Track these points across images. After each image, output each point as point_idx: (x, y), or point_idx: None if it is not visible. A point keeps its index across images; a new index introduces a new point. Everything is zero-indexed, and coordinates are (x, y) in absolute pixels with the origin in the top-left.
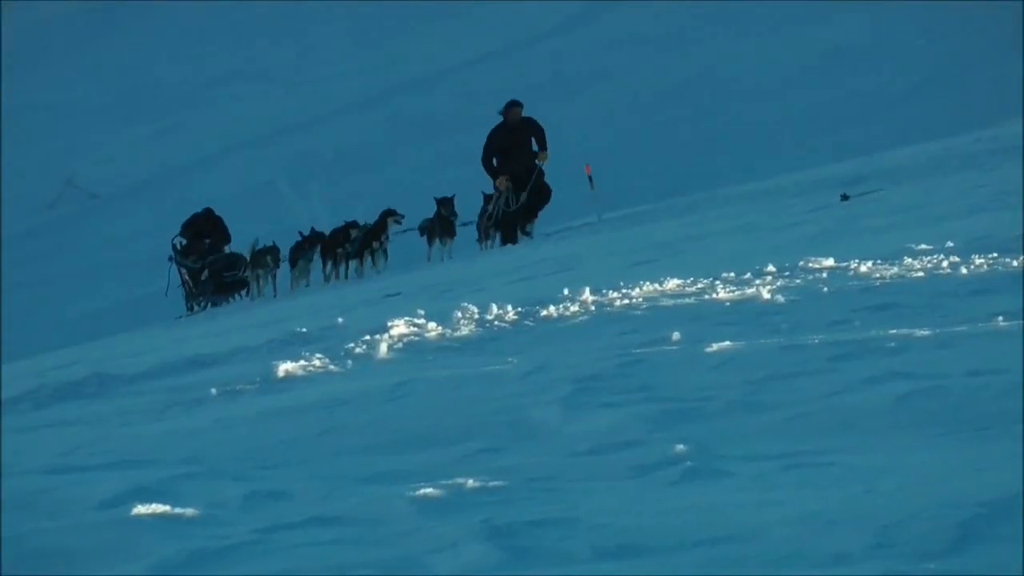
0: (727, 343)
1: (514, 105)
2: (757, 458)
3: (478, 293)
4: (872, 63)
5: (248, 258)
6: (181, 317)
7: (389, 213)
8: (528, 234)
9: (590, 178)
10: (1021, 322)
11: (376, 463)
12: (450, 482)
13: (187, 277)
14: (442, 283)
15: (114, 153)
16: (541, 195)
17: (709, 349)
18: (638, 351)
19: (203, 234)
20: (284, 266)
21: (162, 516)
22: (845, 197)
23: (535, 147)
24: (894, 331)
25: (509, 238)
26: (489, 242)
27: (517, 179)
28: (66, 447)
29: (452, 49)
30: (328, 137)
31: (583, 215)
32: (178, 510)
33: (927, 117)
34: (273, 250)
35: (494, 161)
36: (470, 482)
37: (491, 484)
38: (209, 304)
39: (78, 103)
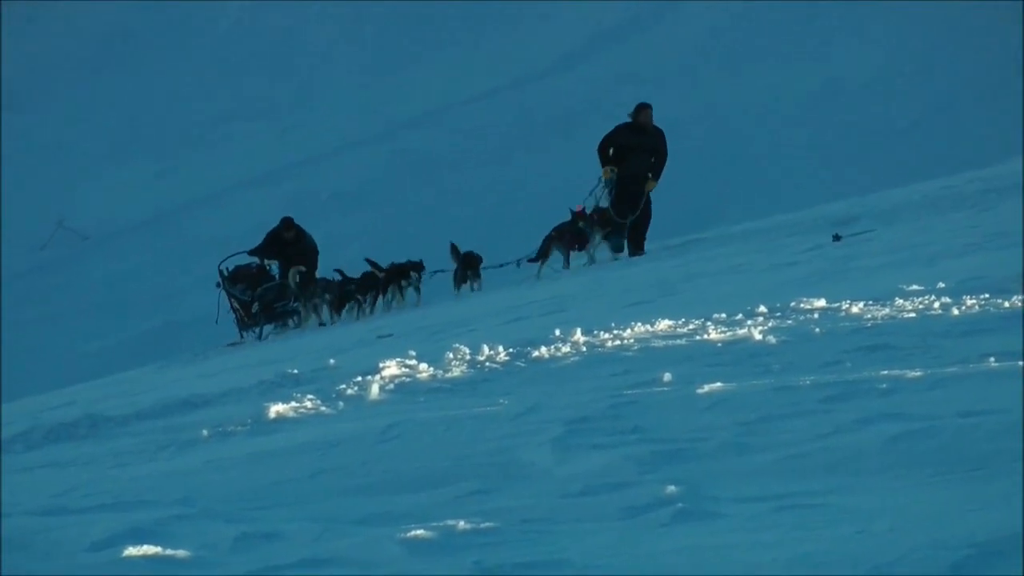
0: (719, 384)
1: (645, 107)
2: (749, 499)
3: (470, 334)
4: (867, 101)
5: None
6: (233, 344)
7: (414, 266)
8: (619, 255)
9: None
10: (1013, 363)
11: (368, 504)
12: (441, 523)
13: (236, 304)
14: (434, 324)
15: (109, 193)
16: (643, 217)
17: (701, 390)
18: (629, 392)
19: (286, 251)
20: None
21: (154, 557)
22: (837, 237)
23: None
24: (886, 372)
25: (638, 248)
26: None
27: (627, 179)
28: (59, 488)
29: (452, 86)
30: (328, 176)
31: (576, 256)
32: (170, 551)
33: (922, 155)
34: (330, 285)
35: (610, 152)
36: (461, 523)
37: (482, 525)
38: (262, 332)
39: (74, 142)
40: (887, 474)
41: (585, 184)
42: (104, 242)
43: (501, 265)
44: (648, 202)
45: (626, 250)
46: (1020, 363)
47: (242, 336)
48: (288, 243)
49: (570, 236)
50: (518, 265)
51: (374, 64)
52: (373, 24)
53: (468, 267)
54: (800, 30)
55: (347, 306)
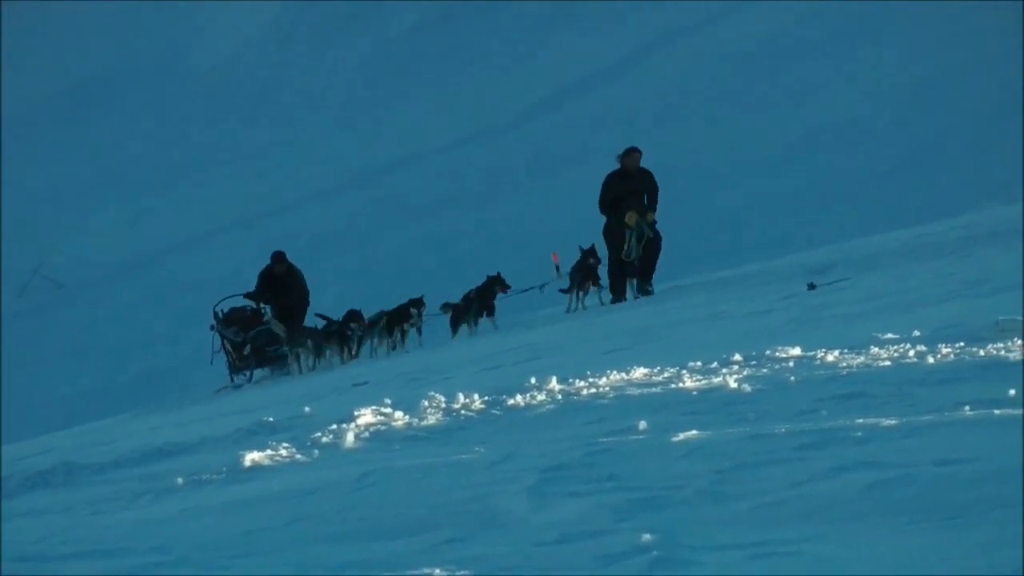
0: (694, 432)
1: (633, 151)
2: (724, 548)
3: (446, 382)
4: (844, 149)
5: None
6: (224, 388)
7: (415, 303)
8: (650, 292)
9: (557, 267)
10: (989, 411)
11: (343, 553)
12: (417, 572)
13: (230, 347)
14: (410, 372)
15: (87, 238)
16: (653, 247)
17: (676, 438)
18: (605, 440)
19: (279, 290)
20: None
21: None
22: (812, 286)
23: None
24: (861, 420)
25: (619, 294)
26: (583, 295)
27: (624, 225)
28: (36, 536)
29: (433, 130)
30: (306, 220)
31: (552, 303)
32: None
33: (899, 203)
34: (314, 332)
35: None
36: (437, 572)
37: (458, 574)
38: (252, 376)
39: (52, 188)
40: (863, 522)
41: (564, 227)
42: (81, 288)
43: (525, 290)
44: (652, 245)
45: (609, 295)
46: (996, 411)
47: (232, 380)
48: (278, 277)
49: (583, 273)
50: (541, 290)
51: (352, 109)
52: (351, 70)
53: (483, 297)
54: (778, 78)
55: (344, 347)
